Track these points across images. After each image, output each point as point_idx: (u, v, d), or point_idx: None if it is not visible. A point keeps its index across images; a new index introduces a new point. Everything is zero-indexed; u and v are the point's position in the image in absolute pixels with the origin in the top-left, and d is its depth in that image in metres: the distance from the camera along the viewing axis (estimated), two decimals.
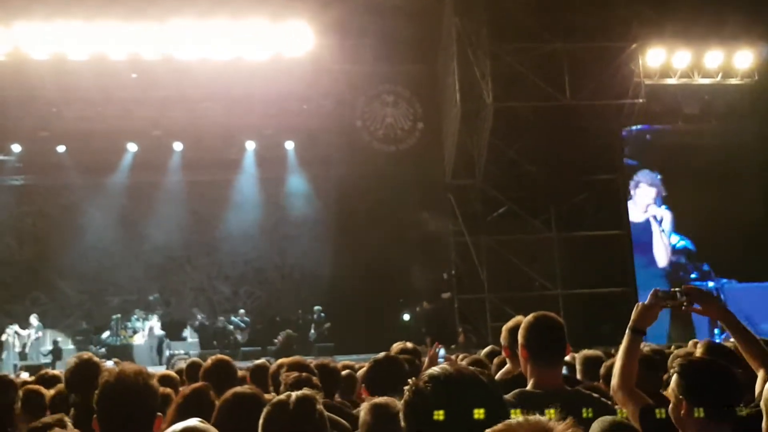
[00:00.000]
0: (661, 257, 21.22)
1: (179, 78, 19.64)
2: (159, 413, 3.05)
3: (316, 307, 21.32)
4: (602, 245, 19.75)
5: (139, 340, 20.39)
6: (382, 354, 4.56)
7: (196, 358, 7.52)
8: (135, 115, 20.77)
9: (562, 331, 3.50)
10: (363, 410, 3.16)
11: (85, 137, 20.75)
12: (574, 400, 3.28)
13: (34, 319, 20.18)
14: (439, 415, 1.75)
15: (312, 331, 20.94)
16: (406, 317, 21.80)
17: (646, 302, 3.57)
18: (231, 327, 21.15)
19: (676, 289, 3.53)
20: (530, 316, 3.52)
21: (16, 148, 21.42)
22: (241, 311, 21.80)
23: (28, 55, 18.72)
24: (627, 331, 3.54)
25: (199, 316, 22.06)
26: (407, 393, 1.87)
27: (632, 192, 21.39)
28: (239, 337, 20.92)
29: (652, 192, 21.43)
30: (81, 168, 21.59)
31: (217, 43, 19.30)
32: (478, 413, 1.74)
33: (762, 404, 2.97)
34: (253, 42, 19.46)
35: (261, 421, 2.58)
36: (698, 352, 3.44)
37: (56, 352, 19.30)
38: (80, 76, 18.98)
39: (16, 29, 18.44)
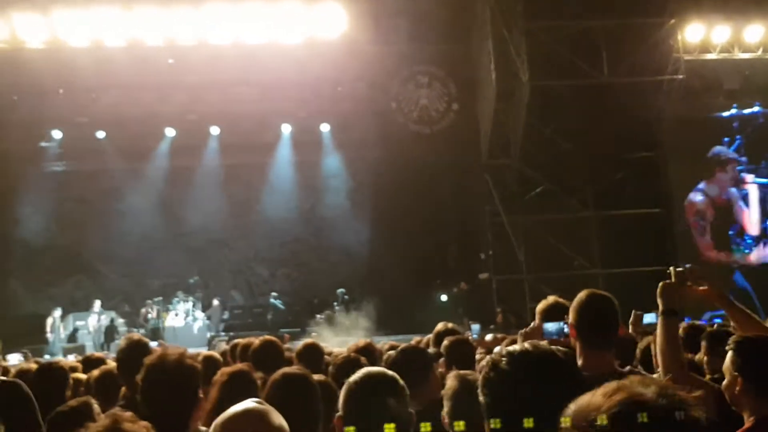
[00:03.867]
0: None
1: (215, 62, 19.75)
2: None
3: (339, 290, 21.45)
4: (642, 223, 19.55)
5: (179, 322, 20.68)
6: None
7: (239, 339, 7.61)
8: (172, 99, 20.97)
9: (613, 312, 3.39)
10: (450, 378, 3.23)
11: (124, 123, 21.00)
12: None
13: (97, 305, 20.47)
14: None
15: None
16: (444, 298, 21.79)
17: (669, 281, 3.52)
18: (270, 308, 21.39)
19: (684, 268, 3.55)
20: (583, 294, 3.41)
21: (57, 134, 21.76)
22: (273, 294, 21.95)
23: (66, 43, 18.92)
24: (659, 316, 3.46)
25: (237, 298, 22.32)
26: (485, 369, 1.89)
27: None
28: (269, 317, 21.09)
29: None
30: (120, 153, 21.87)
31: (252, 27, 19.35)
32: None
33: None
34: (287, 25, 19.48)
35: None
36: None
37: (109, 335, 19.65)
38: (117, 62, 19.17)
39: (54, 17, 18.65)
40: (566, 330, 3.67)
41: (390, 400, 2.57)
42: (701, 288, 3.58)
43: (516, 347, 1.91)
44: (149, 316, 20.58)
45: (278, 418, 2.08)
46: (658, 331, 3.46)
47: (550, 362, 1.86)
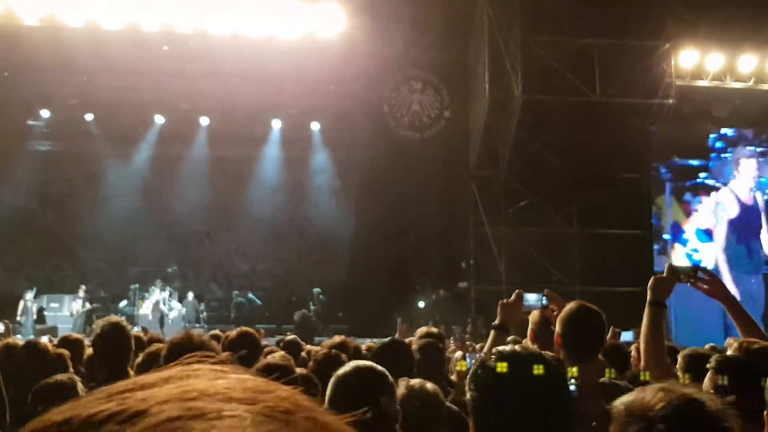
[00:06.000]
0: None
1: (210, 53, 19.67)
2: None
3: (315, 290, 21.43)
4: (623, 244, 19.64)
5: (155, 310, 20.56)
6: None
7: (216, 331, 7.61)
8: (164, 87, 20.86)
9: (600, 326, 3.41)
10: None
11: (114, 107, 20.87)
12: (606, 394, 3.21)
13: (82, 292, 20.27)
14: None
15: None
16: (422, 304, 21.82)
17: (662, 275, 3.56)
18: (244, 301, 21.33)
19: (687, 267, 3.56)
20: (572, 305, 3.43)
21: (45, 113, 21.61)
22: (235, 293, 21.88)
23: (62, 22, 18.77)
24: (647, 306, 3.47)
25: (215, 291, 22.23)
26: (474, 368, 1.91)
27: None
28: (232, 313, 21.03)
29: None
30: (108, 137, 21.75)
31: (251, 20, 19.32)
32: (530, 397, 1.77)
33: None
34: (286, 21, 19.46)
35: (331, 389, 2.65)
36: (732, 351, 3.44)
37: (89, 320, 19.52)
38: (113, 45, 19.03)
39: None
40: (545, 302, 3.74)
41: (382, 398, 2.55)
42: (704, 287, 3.58)
43: (506, 348, 1.93)
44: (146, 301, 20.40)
45: None
46: (644, 321, 3.47)
47: (537, 363, 1.88)
